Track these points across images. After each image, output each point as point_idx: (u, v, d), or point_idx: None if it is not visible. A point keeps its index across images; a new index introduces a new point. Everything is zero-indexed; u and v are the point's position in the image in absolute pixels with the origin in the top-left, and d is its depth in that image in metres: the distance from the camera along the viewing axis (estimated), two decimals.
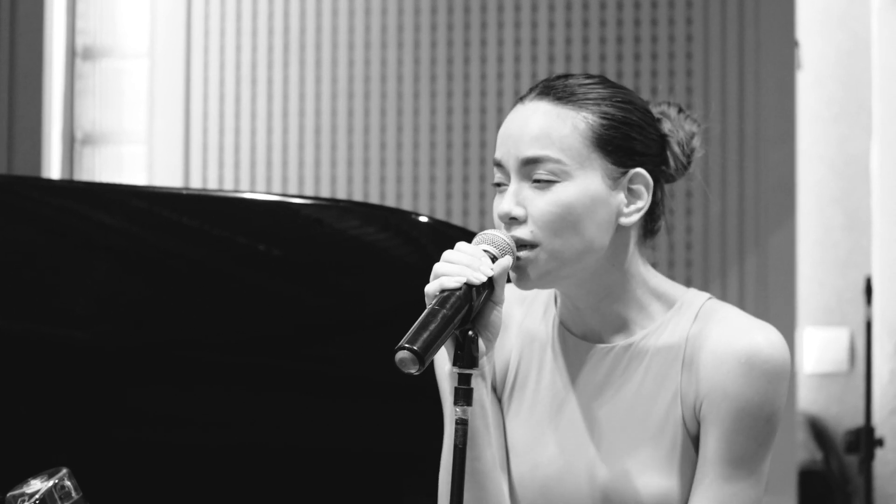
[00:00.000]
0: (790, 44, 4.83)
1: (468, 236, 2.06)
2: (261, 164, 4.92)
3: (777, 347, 2.01)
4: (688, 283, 4.65)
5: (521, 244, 2.00)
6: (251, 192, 4.82)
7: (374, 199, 4.85)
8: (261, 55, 4.93)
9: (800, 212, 5.11)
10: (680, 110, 2.11)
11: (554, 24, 4.85)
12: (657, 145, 2.07)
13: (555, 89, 2.04)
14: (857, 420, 5.14)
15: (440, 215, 4.83)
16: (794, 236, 4.80)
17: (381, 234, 2.96)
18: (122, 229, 2.96)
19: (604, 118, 2.02)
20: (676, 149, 2.08)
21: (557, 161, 2.00)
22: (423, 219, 2.92)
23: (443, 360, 2.05)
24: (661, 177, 2.08)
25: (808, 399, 5.38)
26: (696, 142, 2.11)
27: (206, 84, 4.93)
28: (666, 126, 2.09)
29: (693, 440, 2.04)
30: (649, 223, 2.09)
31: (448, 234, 2.85)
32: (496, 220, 2.03)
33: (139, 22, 4.95)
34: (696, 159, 2.11)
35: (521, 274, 2.01)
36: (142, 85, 4.94)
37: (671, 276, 2.15)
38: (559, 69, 4.79)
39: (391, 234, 2.96)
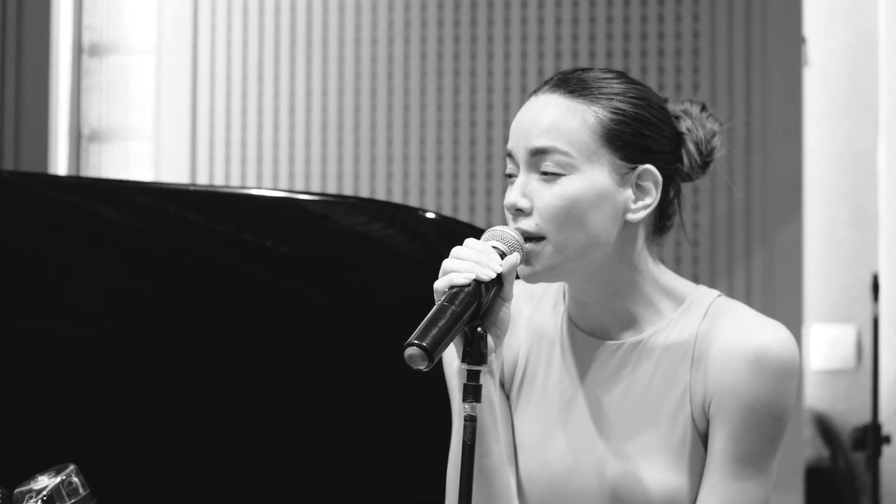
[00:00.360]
0: (797, 40, 4.82)
1: (475, 232, 2.06)
2: (267, 161, 4.91)
3: (786, 345, 2.00)
4: (695, 279, 4.63)
5: (527, 236, 2.00)
6: (258, 188, 4.82)
7: (380, 196, 4.84)
8: (267, 51, 4.92)
9: (806, 208, 5.10)
10: (703, 108, 2.11)
11: (561, 20, 4.84)
12: (671, 143, 2.07)
13: (568, 82, 2.04)
14: (864, 417, 5.14)
15: (447, 211, 4.82)
16: (800, 233, 4.79)
17: (387, 231, 2.96)
18: (129, 226, 2.96)
19: (614, 113, 2.02)
20: (692, 147, 2.07)
21: (565, 153, 2.00)
22: (430, 215, 2.92)
23: (451, 357, 2.05)
24: (676, 175, 2.08)
25: (814, 396, 5.38)
26: (716, 141, 2.10)
27: (212, 80, 4.93)
28: (684, 124, 2.08)
29: (702, 437, 2.03)
30: (660, 220, 2.08)
31: (455, 231, 2.85)
32: (505, 212, 2.04)
33: (146, 18, 4.95)
34: (717, 158, 2.10)
35: (526, 266, 2.00)
36: (148, 81, 4.94)
37: (678, 273, 2.14)
38: (566, 66, 4.79)
39: (398, 231, 2.96)
